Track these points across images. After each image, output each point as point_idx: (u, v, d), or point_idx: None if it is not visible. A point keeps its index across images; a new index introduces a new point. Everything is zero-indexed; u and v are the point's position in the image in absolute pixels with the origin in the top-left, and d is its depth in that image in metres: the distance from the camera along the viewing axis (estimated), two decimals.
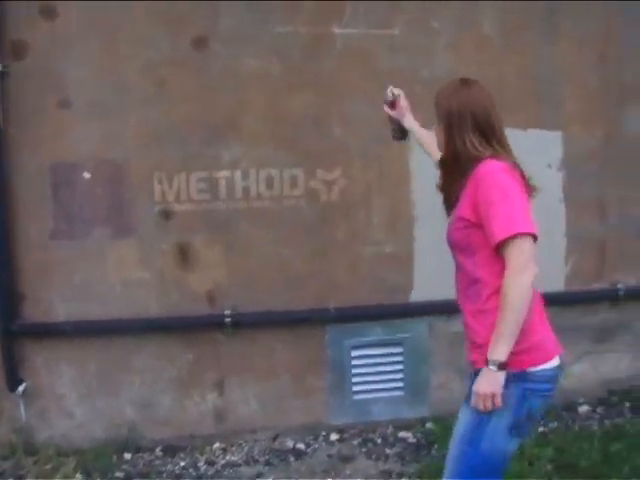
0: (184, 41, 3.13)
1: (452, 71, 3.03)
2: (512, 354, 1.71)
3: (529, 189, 1.86)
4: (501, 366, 1.71)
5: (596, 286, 3.64)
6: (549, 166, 3.50)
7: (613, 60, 3.54)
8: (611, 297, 3.62)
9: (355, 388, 3.38)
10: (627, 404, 3.58)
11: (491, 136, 1.84)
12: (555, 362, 1.81)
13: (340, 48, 3.27)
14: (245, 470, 3.13)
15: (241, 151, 3.21)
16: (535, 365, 1.78)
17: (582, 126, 3.51)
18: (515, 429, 1.79)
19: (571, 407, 3.58)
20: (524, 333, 1.72)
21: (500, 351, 1.70)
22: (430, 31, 3.33)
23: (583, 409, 3.57)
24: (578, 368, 3.66)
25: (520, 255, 1.69)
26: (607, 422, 3.42)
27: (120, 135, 3.13)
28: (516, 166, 1.84)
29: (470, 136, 1.83)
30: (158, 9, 3.10)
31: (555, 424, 3.43)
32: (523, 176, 1.85)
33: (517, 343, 1.71)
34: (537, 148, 3.44)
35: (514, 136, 3.50)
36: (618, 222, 3.60)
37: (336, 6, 3.22)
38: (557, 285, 3.55)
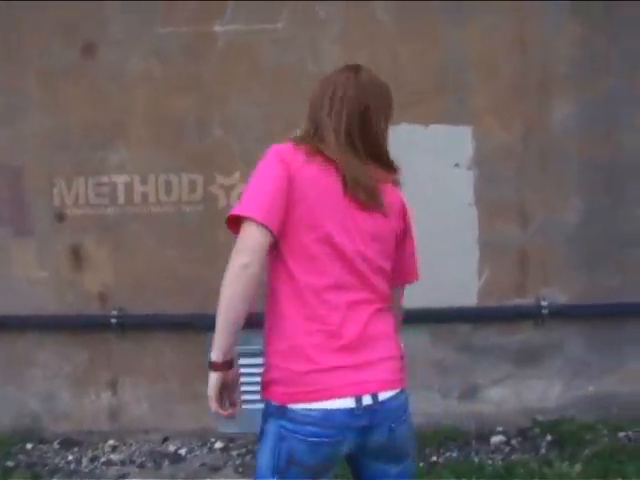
0: (74, 47, 3.36)
1: (342, 64, 3.04)
2: (265, 383, 1.56)
3: (355, 195, 1.58)
4: (212, 366, 1.54)
5: (517, 302, 3.42)
6: (457, 165, 3.37)
7: (533, 44, 3.34)
8: (534, 315, 3.39)
9: (243, 397, 3.45)
10: (549, 437, 3.34)
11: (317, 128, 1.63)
12: (336, 403, 1.49)
13: (222, 46, 3.38)
14: (114, 470, 3.36)
15: (128, 155, 3.40)
16: (295, 402, 1.51)
17: (496, 120, 3.34)
18: (277, 472, 1.54)
19: (483, 436, 3.41)
20: (270, 360, 1.55)
21: (213, 348, 1.52)
22: (317, 21, 3.34)
23: (496, 439, 3.38)
24: (496, 393, 3.47)
25: (239, 240, 1.49)
26: (514, 457, 3.23)
27: (19, 141, 3.46)
28: (329, 160, 1.58)
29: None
30: (51, 16, 3.36)
31: (455, 453, 3.29)
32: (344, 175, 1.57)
33: (266, 371, 1.56)
34: (442, 145, 3.33)
35: (413, 132, 3.48)
36: (542, 228, 3.37)
37: (217, 4, 3.34)
38: (469, 299, 3.41)
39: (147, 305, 3.32)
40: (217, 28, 3.28)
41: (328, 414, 1.49)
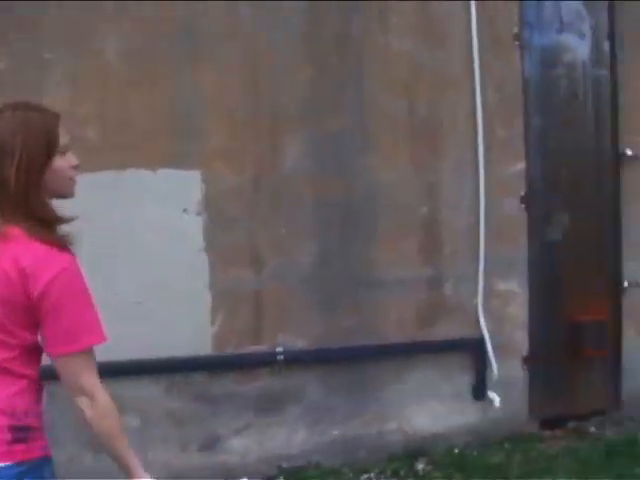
0: None
1: (69, 109, 2.83)
2: None
3: None
4: None
5: (253, 348, 3.35)
6: (185, 210, 3.27)
7: (265, 85, 3.32)
8: (271, 361, 3.33)
9: None
10: None
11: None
12: None
13: None
14: None
15: None
16: None
17: (226, 163, 3.28)
18: None
19: None
20: None
21: (137, 467, 1.52)
22: (41, 63, 3.14)
23: None
24: (239, 443, 3.37)
25: None
26: None
27: None
28: None
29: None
30: None
31: None
32: None
33: None
34: (171, 190, 3.22)
35: (142, 178, 3.37)
36: (276, 272, 3.33)
37: None
38: (204, 347, 3.30)
39: None
40: None
41: None
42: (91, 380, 1.40)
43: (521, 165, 3.54)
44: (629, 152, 3.65)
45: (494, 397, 3.45)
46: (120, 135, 3.11)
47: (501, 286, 3.54)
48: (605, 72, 3.63)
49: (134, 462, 1.47)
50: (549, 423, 3.75)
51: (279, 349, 3.25)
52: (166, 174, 3.30)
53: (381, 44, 3.40)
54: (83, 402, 1.40)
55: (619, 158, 3.68)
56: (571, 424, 3.81)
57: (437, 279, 3.43)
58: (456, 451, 3.42)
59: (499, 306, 3.55)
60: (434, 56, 3.43)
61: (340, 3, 3.26)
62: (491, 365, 3.45)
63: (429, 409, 3.48)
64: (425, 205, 3.40)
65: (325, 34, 3.30)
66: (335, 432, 3.39)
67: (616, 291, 3.72)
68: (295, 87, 3.29)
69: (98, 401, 1.41)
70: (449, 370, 3.50)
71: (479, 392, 3.51)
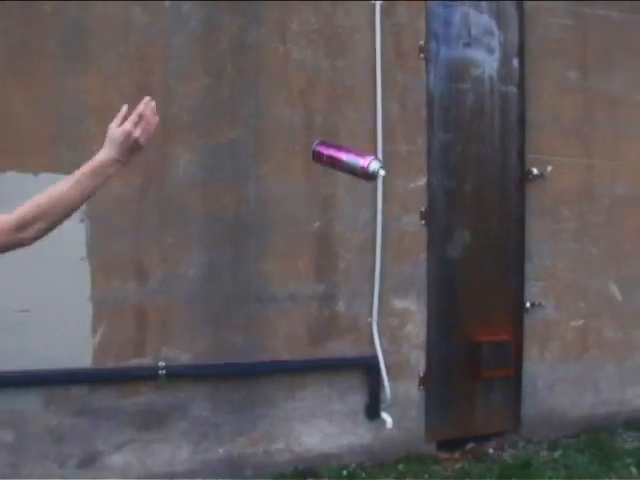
0: None
1: None
2: None
3: None
4: None
5: (136, 362, 3.48)
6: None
7: (158, 92, 3.45)
8: (154, 376, 3.46)
9: None
10: None
11: None
12: None
13: None
14: None
15: None
16: None
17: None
18: None
19: None
20: None
21: None
22: None
23: None
24: (119, 459, 3.50)
25: None
26: None
27: None
28: None
29: None
30: None
31: None
32: None
33: None
34: None
35: (23, 182, 3.48)
36: (162, 284, 3.47)
37: None
38: (84, 360, 3.42)
39: None
40: None
41: None
42: None
43: (422, 180, 3.74)
44: (535, 171, 3.85)
45: (387, 418, 3.62)
46: (0, 138, 3.23)
47: (398, 304, 3.73)
48: (513, 88, 3.84)
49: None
50: (448, 444, 3.94)
51: (161, 363, 3.41)
52: (48, 178, 3.39)
53: (280, 52, 3.56)
54: None
55: (525, 176, 3.86)
56: (470, 446, 3.99)
57: (331, 295, 3.62)
58: (345, 472, 3.57)
59: (396, 325, 3.75)
60: (335, 66, 3.61)
61: (239, 9, 3.42)
62: (384, 385, 3.60)
63: (320, 428, 3.67)
64: (319, 219, 3.59)
65: (221, 40, 3.51)
66: (221, 450, 3.55)
67: (518, 311, 3.91)
68: (188, 94, 3.44)
69: None
70: (342, 389, 3.68)
71: (373, 412, 3.70)
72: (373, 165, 1.91)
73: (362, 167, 1.92)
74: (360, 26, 3.70)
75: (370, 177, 1.95)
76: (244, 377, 3.60)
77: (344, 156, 1.98)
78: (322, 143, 2.05)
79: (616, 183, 4.18)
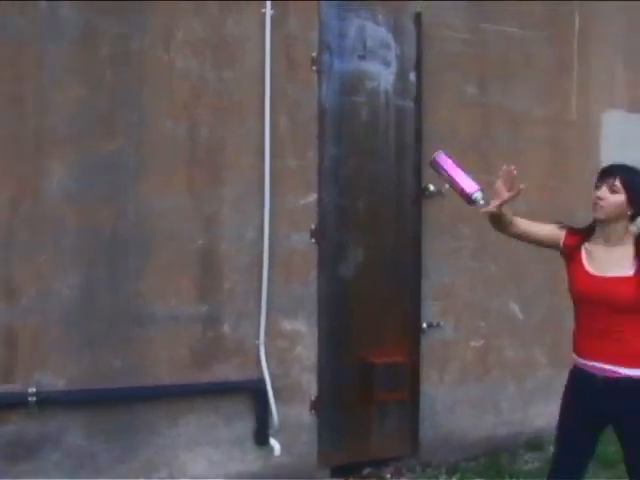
0: None
1: None
2: None
3: None
4: None
5: (5, 388, 3.44)
6: None
7: (30, 102, 3.43)
8: (24, 403, 3.42)
9: None
10: None
11: None
12: None
13: None
14: None
15: None
16: None
17: None
18: None
19: None
20: None
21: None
22: None
23: None
24: None
25: None
26: None
27: None
28: None
29: None
30: None
31: None
32: None
33: None
34: None
35: None
36: (33, 304, 3.45)
37: None
38: None
39: None
40: None
41: None
42: None
43: (312, 196, 3.83)
44: (432, 187, 3.96)
45: (275, 444, 3.67)
46: None
47: (287, 325, 3.80)
48: (410, 102, 3.97)
49: None
50: (344, 470, 4.00)
51: (32, 389, 3.39)
52: None
53: (164, 61, 3.61)
54: None
55: (421, 192, 3.97)
56: (367, 471, 4.06)
57: (215, 316, 3.67)
58: None
59: (285, 347, 3.82)
60: (222, 77, 3.69)
61: (121, 14, 3.47)
62: (272, 410, 3.64)
63: (206, 456, 3.71)
64: (203, 237, 3.63)
65: (101, 47, 3.58)
66: None
67: (415, 332, 4.01)
68: (64, 104, 3.44)
69: None
70: (229, 415, 3.74)
71: (261, 438, 3.75)
72: (476, 194, 2.61)
73: (468, 192, 2.60)
74: (250, 36, 3.78)
75: (471, 202, 2.63)
76: (123, 403, 3.62)
77: (458, 175, 2.64)
78: (444, 155, 2.67)
79: (516, 199, 4.31)
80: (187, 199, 3.68)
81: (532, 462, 4.35)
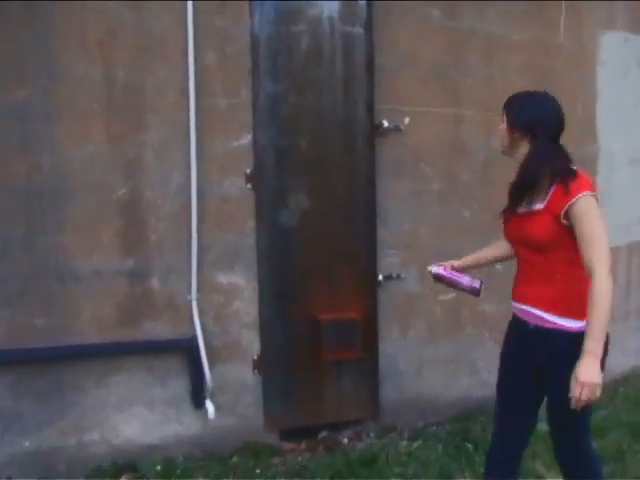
0: None
1: None
2: None
3: None
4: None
5: None
6: None
7: None
8: None
9: None
10: None
11: None
12: None
13: None
14: None
15: None
16: None
17: None
18: None
19: None
20: None
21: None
22: None
23: None
24: None
25: None
26: None
27: None
28: None
29: None
30: None
31: None
32: None
33: None
34: None
35: None
36: None
37: None
38: None
39: None
40: None
41: None
42: None
43: (247, 138, 3.84)
44: (386, 123, 3.77)
45: (209, 406, 3.67)
46: None
47: (223, 279, 3.81)
48: (359, 30, 3.76)
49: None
50: (296, 433, 3.93)
51: None
52: None
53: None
54: None
55: (374, 130, 3.77)
56: (323, 435, 3.97)
57: (142, 271, 3.76)
58: (158, 467, 3.60)
59: (221, 302, 3.87)
60: (139, 13, 3.65)
61: None
62: (205, 369, 3.60)
63: (140, 417, 3.81)
64: (125, 185, 3.64)
65: None
66: (27, 443, 3.62)
67: (369, 285, 3.85)
68: None
69: None
70: (162, 374, 3.83)
71: (198, 399, 3.71)
72: (475, 284, 3.08)
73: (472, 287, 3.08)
74: None
75: (476, 294, 3.09)
76: (49, 363, 3.69)
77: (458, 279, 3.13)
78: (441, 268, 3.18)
79: (492, 135, 4.03)
80: (106, 146, 3.79)
81: None
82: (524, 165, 2.72)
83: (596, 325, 2.55)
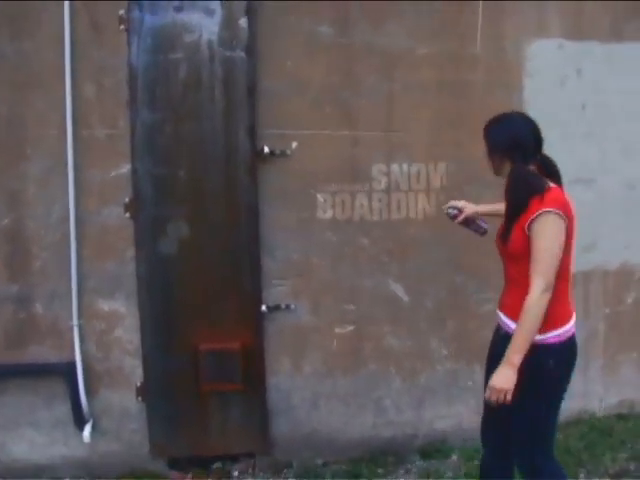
0: None
1: None
2: None
3: None
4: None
5: None
6: None
7: None
8: None
9: None
10: None
11: None
12: None
13: None
14: None
15: None
16: None
17: None
18: None
19: None
20: None
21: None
22: None
23: None
24: None
25: None
26: None
27: None
28: None
29: None
30: None
31: None
32: None
33: None
34: None
35: None
36: None
37: None
38: None
39: None
40: None
41: None
42: None
43: (125, 167, 4.44)
44: (267, 149, 4.14)
45: (85, 431, 4.17)
46: None
47: (104, 306, 4.50)
48: (240, 54, 4.18)
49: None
50: (187, 463, 4.36)
51: None
52: None
53: None
54: None
55: (256, 156, 4.14)
56: (216, 465, 4.40)
57: (26, 297, 4.54)
58: None
59: (103, 328, 4.61)
60: (20, 50, 4.15)
61: None
62: (81, 394, 4.17)
63: (27, 437, 4.43)
64: (9, 216, 4.22)
65: None
66: None
67: (253, 316, 4.22)
68: None
69: None
70: (48, 397, 4.53)
71: (81, 423, 4.24)
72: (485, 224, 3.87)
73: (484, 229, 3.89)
74: (48, 5, 4.19)
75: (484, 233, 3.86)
76: None
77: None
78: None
79: (395, 158, 4.25)
80: None
81: (413, 469, 4.36)
82: (507, 189, 3.23)
83: (518, 337, 3.13)
